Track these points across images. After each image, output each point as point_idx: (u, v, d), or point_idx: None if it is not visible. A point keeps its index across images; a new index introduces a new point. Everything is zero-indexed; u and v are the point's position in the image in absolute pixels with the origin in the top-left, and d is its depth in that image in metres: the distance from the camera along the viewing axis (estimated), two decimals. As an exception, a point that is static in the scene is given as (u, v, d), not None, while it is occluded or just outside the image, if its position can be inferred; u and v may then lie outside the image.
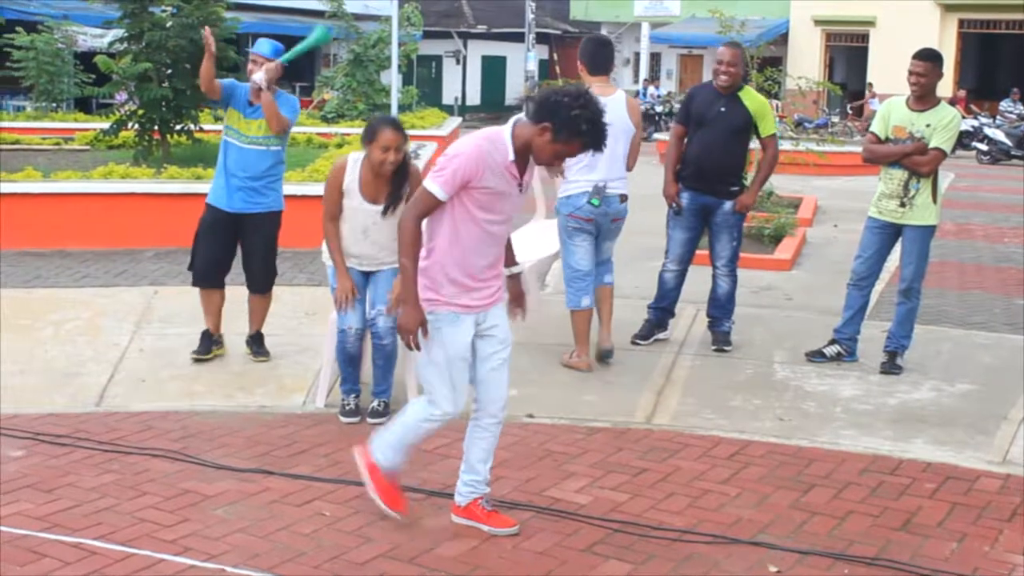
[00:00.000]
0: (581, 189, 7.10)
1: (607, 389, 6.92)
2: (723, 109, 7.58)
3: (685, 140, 7.80)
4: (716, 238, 7.76)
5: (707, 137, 7.63)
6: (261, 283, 7.34)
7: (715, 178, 7.64)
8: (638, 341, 7.85)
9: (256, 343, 7.41)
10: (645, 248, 11.26)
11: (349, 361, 6.29)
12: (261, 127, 7.06)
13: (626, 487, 5.32)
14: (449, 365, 4.62)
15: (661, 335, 7.95)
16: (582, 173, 7.04)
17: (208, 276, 7.26)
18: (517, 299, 5.01)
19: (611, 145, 7.15)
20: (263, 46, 7.23)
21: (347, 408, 6.31)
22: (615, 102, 6.91)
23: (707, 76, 40.12)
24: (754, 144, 7.89)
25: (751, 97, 7.66)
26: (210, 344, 7.32)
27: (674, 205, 7.78)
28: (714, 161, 7.60)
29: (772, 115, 7.80)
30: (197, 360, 7.24)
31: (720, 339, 7.78)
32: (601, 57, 7.35)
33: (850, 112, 32.42)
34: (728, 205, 7.64)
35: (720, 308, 7.84)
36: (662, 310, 7.96)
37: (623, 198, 7.25)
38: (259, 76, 6.96)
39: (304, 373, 7.06)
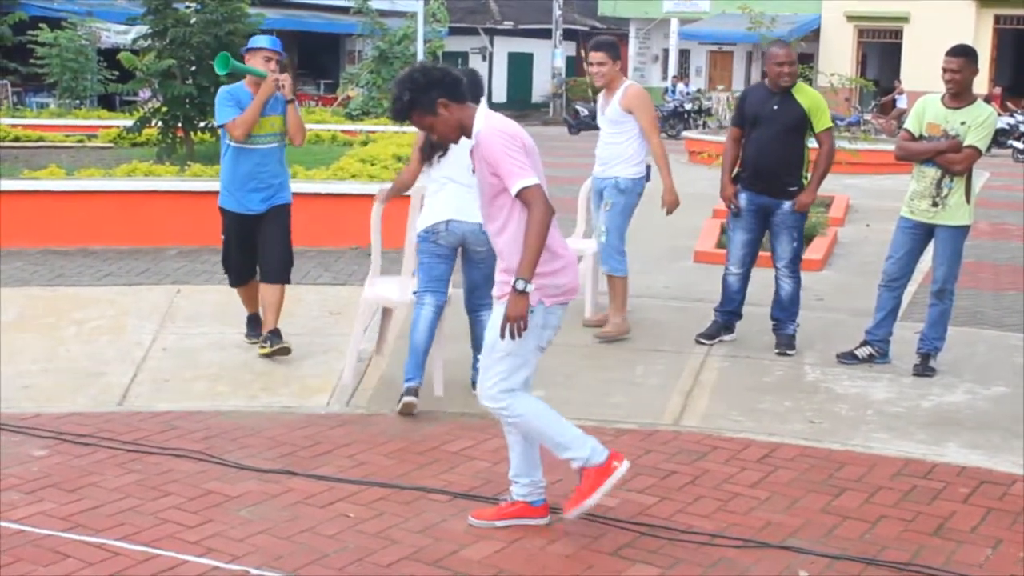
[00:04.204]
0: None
1: (634, 391, 6.85)
2: (776, 107, 7.51)
3: (742, 142, 7.74)
4: (776, 239, 7.68)
5: (762, 137, 7.55)
6: (280, 272, 7.32)
7: (772, 178, 7.55)
8: (702, 340, 7.78)
9: (275, 336, 7.21)
10: (673, 248, 11.20)
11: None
12: (274, 124, 7.18)
13: (654, 490, 5.25)
14: None
15: (727, 337, 7.88)
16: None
17: (245, 275, 7.52)
18: None
19: None
20: (268, 41, 7.29)
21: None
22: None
23: (737, 73, 40.26)
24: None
25: (804, 93, 7.57)
26: (259, 325, 7.48)
27: (732, 206, 7.72)
28: (770, 161, 7.52)
29: (827, 109, 7.68)
30: (256, 343, 7.40)
31: (784, 342, 7.66)
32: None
33: (874, 109, 31.98)
34: (787, 205, 7.56)
35: (783, 310, 7.72)
36: (728, 313, 7.89)
37: None
38: (288, 86, 7.13)
39: (328, 373, 7.01)
